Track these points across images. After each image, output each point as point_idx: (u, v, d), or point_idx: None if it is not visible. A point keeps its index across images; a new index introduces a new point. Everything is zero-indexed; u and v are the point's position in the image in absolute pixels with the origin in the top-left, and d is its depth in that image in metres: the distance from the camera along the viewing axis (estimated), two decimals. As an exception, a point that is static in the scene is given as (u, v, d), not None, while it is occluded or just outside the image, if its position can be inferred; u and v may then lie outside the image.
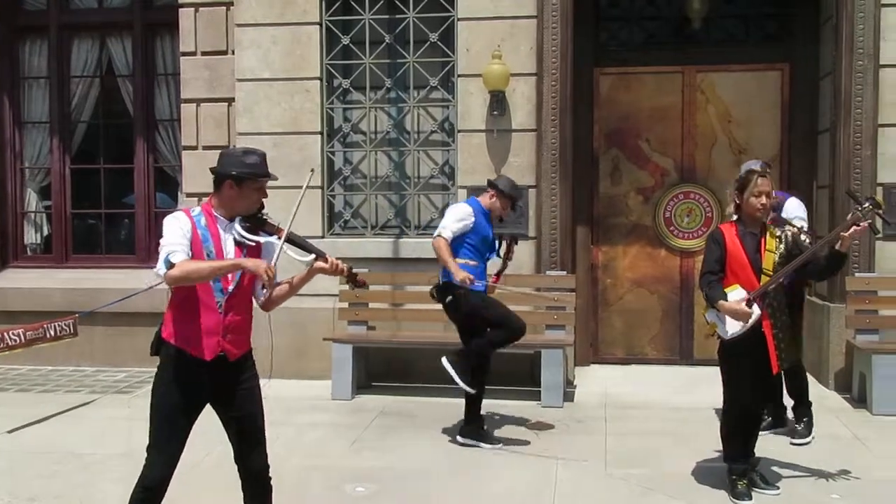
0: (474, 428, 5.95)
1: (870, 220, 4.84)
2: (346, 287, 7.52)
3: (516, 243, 6.19)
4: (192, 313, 3.53)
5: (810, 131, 8.06)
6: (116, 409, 6.77)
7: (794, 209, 5.98)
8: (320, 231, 7.77)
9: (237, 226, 3.61)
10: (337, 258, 7.43)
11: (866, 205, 4.90)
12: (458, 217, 5.78)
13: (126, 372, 7.67)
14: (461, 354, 5.80)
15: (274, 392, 7.14)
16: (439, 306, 6.02)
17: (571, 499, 4.92)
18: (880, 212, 4.98)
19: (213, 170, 3.66)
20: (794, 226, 5.40)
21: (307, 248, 3.74)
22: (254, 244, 3.64)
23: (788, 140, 8.18)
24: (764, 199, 4.70)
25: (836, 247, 4.68)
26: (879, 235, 7.00)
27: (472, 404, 5.95)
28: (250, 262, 3.45)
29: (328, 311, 7.68)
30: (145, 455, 3.58)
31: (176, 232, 3.47)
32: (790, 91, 8.15)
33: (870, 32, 7.15)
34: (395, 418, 6.65)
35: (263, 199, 3.71)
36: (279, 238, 3.62)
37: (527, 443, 5.94)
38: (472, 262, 5.76)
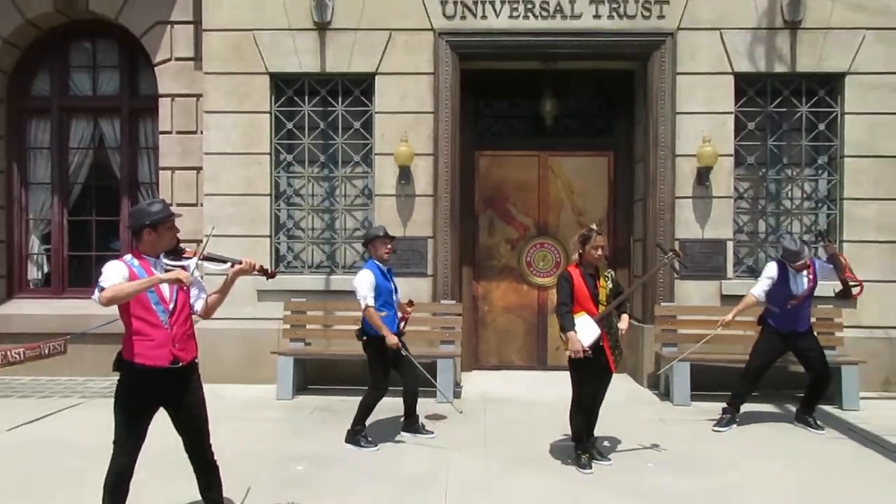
0: (411, 423, 5.81)
1: (673, 265, 5.08)
2: (288, 313, 7.44)
3: None
4: (145, 334, 3.43)
5: (628, 200, 8.32)
6: (102, 409, 6.38)
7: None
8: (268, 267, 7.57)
9: (163, 259, 3.55)
10: (281, 289, 7.29)
11: (669, 254, 5.14)
12: (369, 285, 5.42)
13: (111, 380, 7.20)
14: (352, 432, 5.49)
15: (231, 394, 7.02)
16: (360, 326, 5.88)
17: (460, 471, 4.89)
18: (679, 259, 5.22)
19: (129, 226, 3.60)
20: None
21: (224, 260, 3.72)
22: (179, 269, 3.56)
23: (613, 206, 8.42)
24: (600, 251, 4.85)
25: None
26: (677, 276, 7.33)
27: (408, 412, 5.79)
28: (165, 276, 3.36)
29: (274, 332, 7.48)
30: (112, 447, 3.48)
31: (112, 272, 3.38)
32: (614, 171, 8.42)
33: (669, 132, 7.45)
34: (326, 413, 6.50)
35: (177, 235, 3.67)
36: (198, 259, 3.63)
37: (428, 431, 5.84)
38: (383, 314, 5.45)
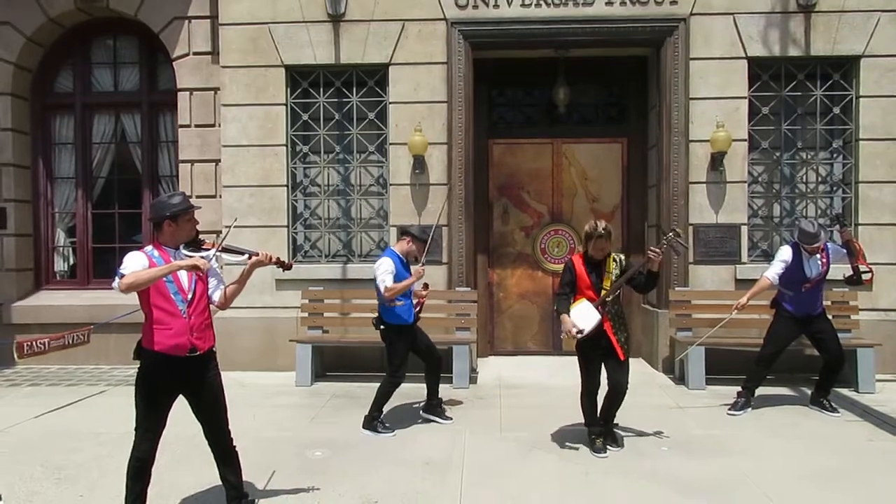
0: (432, 405, 5.77)
1: (673, 244, 4.98)
2: (306, 301, 7.43)
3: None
4: (164, 323, 3.42)
5: (642, 186, 8.21)
6: (126, 397, 6.41)
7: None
8: (285, 259, 7.53)
9: (183, 251, 3.55)
10: (299, 278, 7.26)
11: (669, 234, 5.01)
12: (387, 270, 5.38)
13: (135, 369, 7.25)
14: (370, 418, 5.44)
15: (251, 381, 7.03)
16: (377, 315, 5.85)
17: (475, 456, 4.85)
18: (679, 239, 5.08)
19: (150, 218, 3.58)
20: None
21: (241, 252, 3.72)
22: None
23: (627, 192, 8.32)
24: (599, 254, 4.79)
25: (653, 269, 4.79)
26: (677, 255, 7.19)
27: (430, 393, 5.74)
28: (183, 262, 3.35)
29: (293, 320, 7.49)
30: (134, 433, 3.50)
31: (133, 261, 3.39)
32: (628, 158, 8.31)
33: (682, 118, 7.33)
34: (344, 400, 6.48)
35: (196, 227, 3.66)
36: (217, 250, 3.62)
37: (448, 416, 5.77)
38: (399, 303, 5.42)
